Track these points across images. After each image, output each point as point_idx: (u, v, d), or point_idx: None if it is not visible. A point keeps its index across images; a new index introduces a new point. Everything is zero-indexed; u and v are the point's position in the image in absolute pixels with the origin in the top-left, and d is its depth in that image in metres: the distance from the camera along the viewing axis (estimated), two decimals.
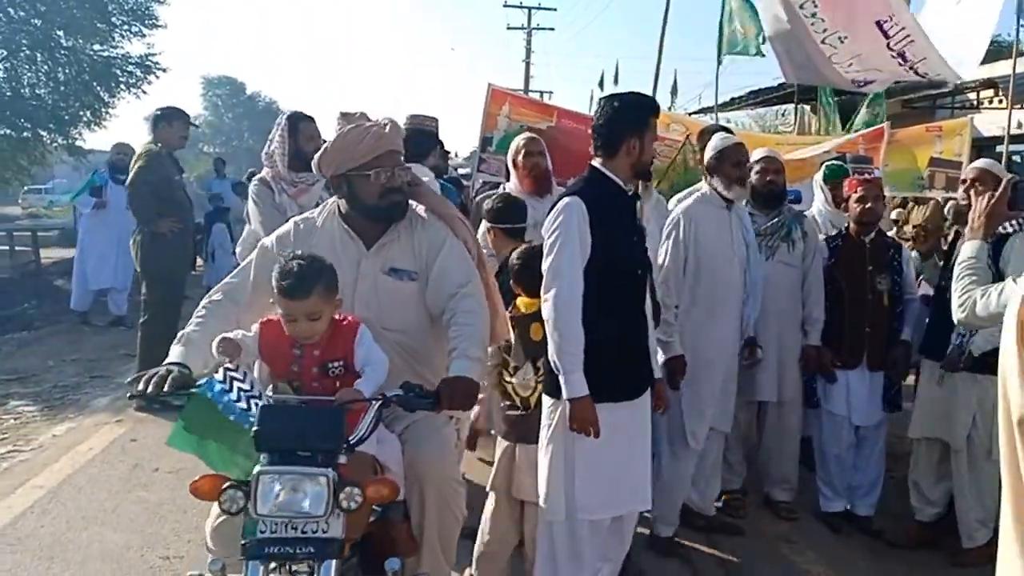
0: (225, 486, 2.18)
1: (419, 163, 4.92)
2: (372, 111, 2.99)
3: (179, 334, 2.73)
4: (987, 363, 3.62)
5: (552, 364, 3.00)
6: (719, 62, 8.16)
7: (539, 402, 3.20)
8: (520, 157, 4.54)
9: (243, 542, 2.19)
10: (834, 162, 5.29)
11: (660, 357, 3.58)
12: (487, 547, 3.42)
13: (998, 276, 3.33)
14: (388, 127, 2.86)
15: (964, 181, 4.20)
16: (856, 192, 4.44)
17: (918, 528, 4.28)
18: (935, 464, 4.19)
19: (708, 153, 4.16)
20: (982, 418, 3.85)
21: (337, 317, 2.60)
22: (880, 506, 4.53)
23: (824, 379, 4.52)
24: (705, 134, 4.49)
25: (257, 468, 2.17)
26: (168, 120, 6.51)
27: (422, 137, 5.01)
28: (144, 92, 16.84)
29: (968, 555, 3.97)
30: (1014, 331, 1.46)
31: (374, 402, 2.42)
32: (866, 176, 4.61)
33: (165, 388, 2.41)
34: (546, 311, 2.99)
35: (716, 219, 4.08)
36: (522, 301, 3.33)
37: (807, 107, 13.66)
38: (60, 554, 3.92)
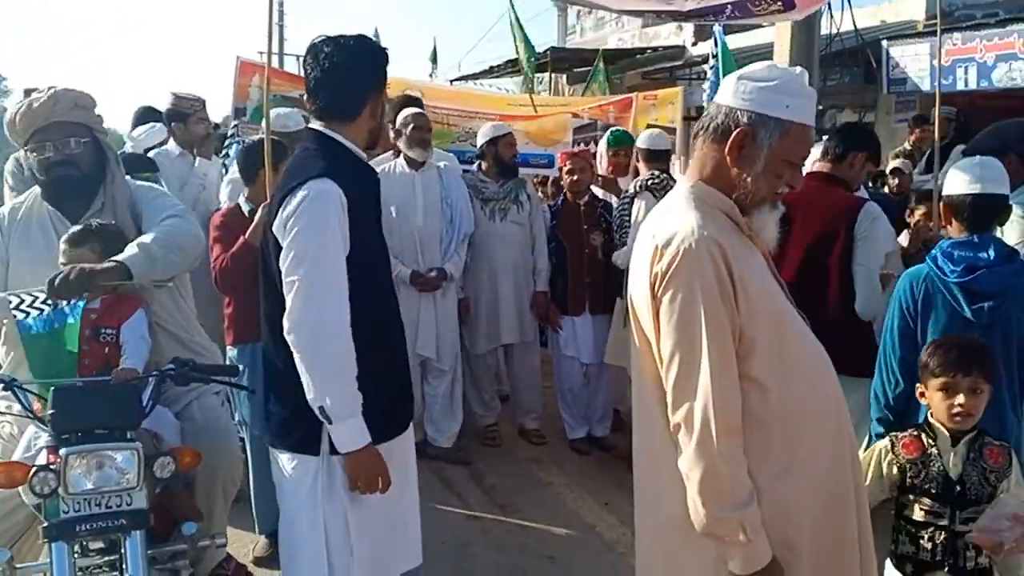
0: (34, 469, 2.21)
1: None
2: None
3: None
4: None
5: (310, 411, 2.25)
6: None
7: None
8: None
9: (45, 524, 2.23)
10: (618, 129, 5.85)
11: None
12: None
13: None
14: (38, 101, 2.72)
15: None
16: (566, 165, 5.18)
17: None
18: None
19: (398, 121, 4.72)
20: None
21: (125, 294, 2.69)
22: (614, 427, 5.32)
23: (548, 327, 5.24)
24: (399, 104, 4.92)
25: (64, 450, 2.22)
26: None
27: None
28: None
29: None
30: (647, 281, 1.74)
31: (151, 378, 2.52)
32: (573, 151, 5.39)
33: None
34: (298, 339, 2.23)
35: (399, 181, 4.66)
36: None
37: (564, 76, 14.87)
38: None
